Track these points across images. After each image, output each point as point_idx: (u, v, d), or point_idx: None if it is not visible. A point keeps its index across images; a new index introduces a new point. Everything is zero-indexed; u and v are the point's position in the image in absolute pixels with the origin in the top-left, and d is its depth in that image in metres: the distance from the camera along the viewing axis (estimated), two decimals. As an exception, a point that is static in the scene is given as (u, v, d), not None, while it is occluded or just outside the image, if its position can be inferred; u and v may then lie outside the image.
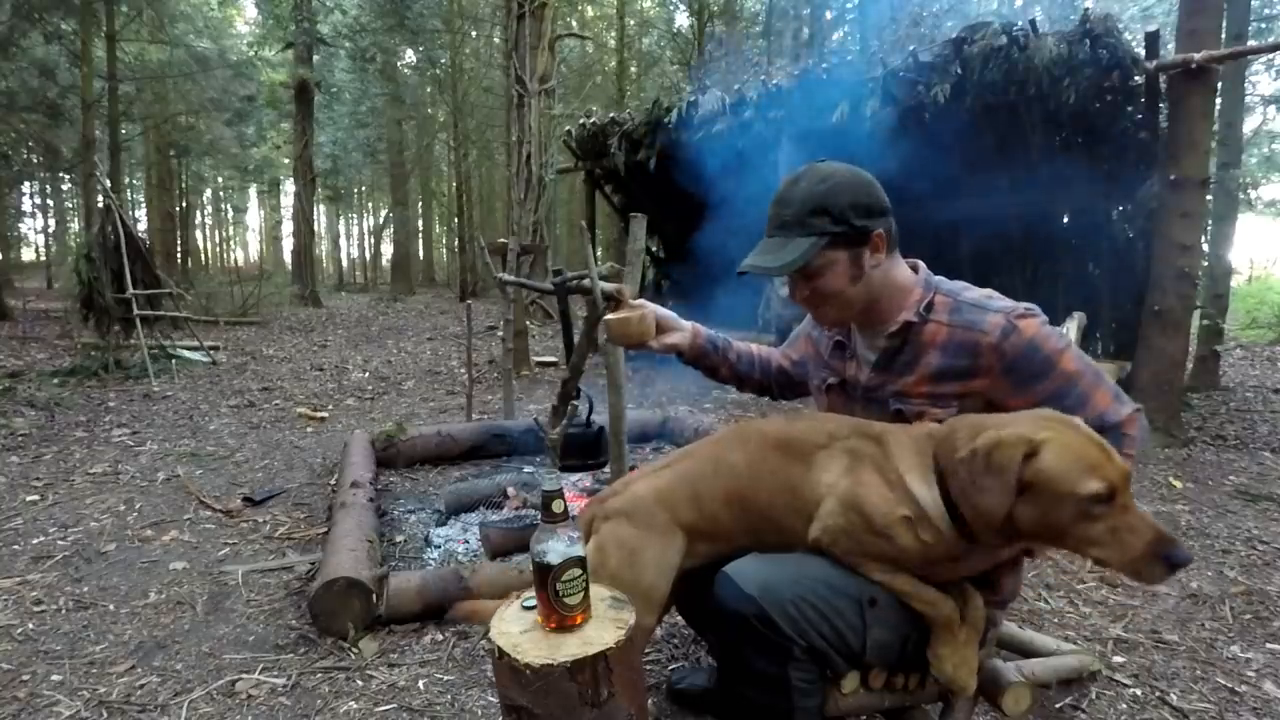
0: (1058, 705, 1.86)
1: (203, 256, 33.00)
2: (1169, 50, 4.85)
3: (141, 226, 18.34)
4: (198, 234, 31.79)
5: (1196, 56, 4.37)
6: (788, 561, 1.25)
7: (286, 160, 22.85)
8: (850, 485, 1.23)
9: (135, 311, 6.98)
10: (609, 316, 1.60)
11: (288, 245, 26.10)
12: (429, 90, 22.20)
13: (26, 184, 21.36)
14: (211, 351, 7.96)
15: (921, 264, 1.44)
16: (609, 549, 1.35)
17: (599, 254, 10.46)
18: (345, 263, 37.22)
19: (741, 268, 1.39)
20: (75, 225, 25.16)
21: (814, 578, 1.22)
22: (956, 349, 1.30)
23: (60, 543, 2.95)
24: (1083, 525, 1.05)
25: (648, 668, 2.02)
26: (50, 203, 25.63)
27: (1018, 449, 1.06)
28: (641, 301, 1.64)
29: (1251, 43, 6.94)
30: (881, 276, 1.37)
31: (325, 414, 5.45)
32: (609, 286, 2.85)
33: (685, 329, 1.66)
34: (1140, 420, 1.29)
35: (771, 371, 1.75)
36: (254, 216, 44.43)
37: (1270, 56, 11.39)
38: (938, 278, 1.42)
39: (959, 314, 1.32)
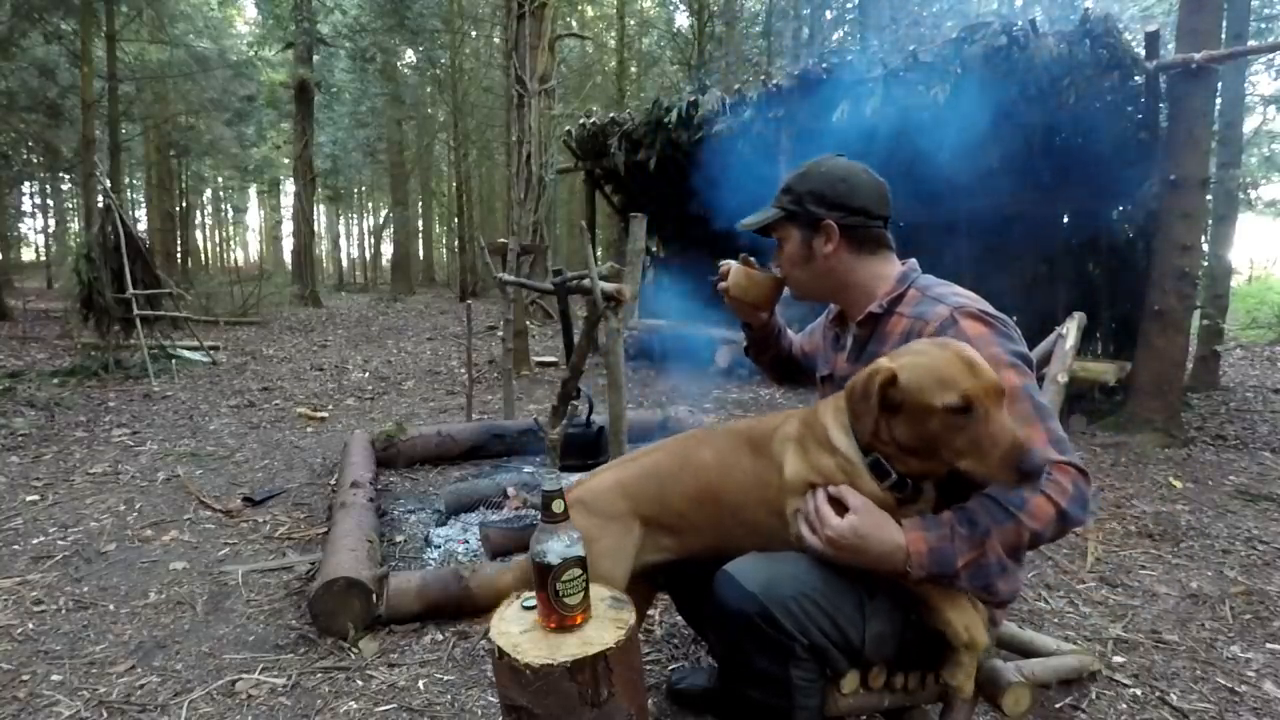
0: (1058, 705, 1.86)
1: (203, 256, 32.99)
2: (1169, 50, 4.85)
3: (141, 226, 18.32)
4: (198, 234, 31.80)
5: (1196, 56, 4.37)
6: (787, 559, 1.25)
7: (286, 160, 22.86)
8: (791, 468, 1.28)
9: (135, 311, 6.98)
10: (741, 268, 1.61)
11: (288, 245, 26.14)
12: (429, 90, 22.21)
13: (26, 184, 21.35)
14: (211, 351, 7.96)
15: (912, 262, 1.47)
16: None
17: (599, 254, 10.46)
18: (345, 263, 37.23)
19: (740, 224, 1.56)
20: (75, 225, 25.17)
21: (813, 573, 1.22)
22: (904, 338, 1.32)
23: (60, 543, 2.95)
24: (948, 436, 1.12)
25: (648, 668, 2.02)
26: (50, 203, 25.62)
27: (879, 375, 1.15)
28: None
29: (1251, 43, 6.95)
30: (844, 268, 1.43)
31: (325, 414, 5.45)
32: (609, 286, 2.85)
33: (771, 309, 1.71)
34: (1076, 478, 1.16)
35: (797, 361, 1.81)
36: (254, 216, 44.49)
37: (1270, 56, 11.39)
38: (924, 276, 1.43)
39: (918, 306, 1.34)
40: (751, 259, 1.63)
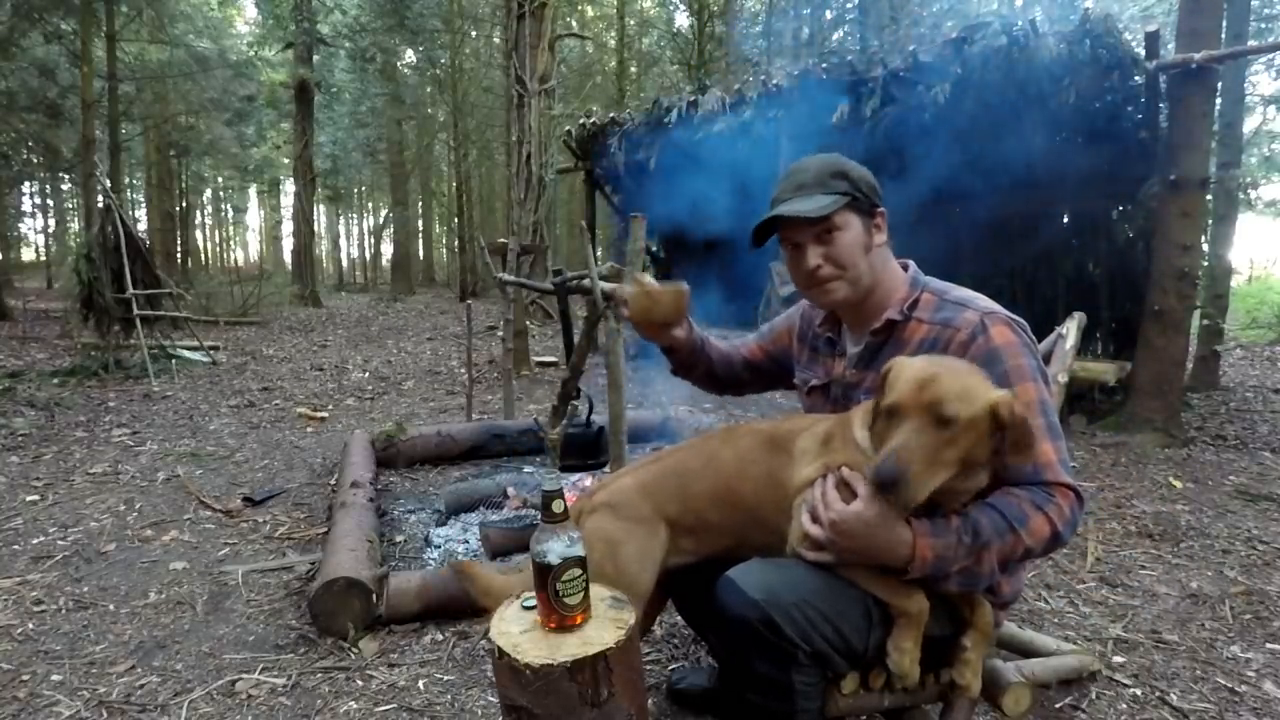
0: (1058, 705, 1.86)
1: (203, 256, 32.97)
2: (1169, 50, 4.85)
3: (141, 226, 18.31)
4: (198, 234, 31.78)
5: (1196, 56, 4.37)
6: (791, 565, 1.25)
7: (286, 160, 22.86)
8: (807, 466, 1.27)
9: (135, 311, 6.98)
10: (638, 289, 1.50)
11: (288, 245, 26.14)
12: (429, 90, 22.21)
13: (26, 184, 21.34)
14: (211, 351, 7.96)
15: (912, 264, 1.45)
16: (592, 542, 1.35)
17: (599, 254, 10.46)
18: (345, 263, 37.23)
19: (777, 213, 1.35)
20: (75, 225, 25.14)
21: (818, 580, 1.21)
22: (930, 345, 1.31)
23: (60, 543, 2.95)
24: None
25: (648, 668, 2.02)
26: (50, 203, 25.61)
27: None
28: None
29: (1251, 43, 6.94)
30: (880, 263, 1.39)
31: (325, 414, 5.45)
32: (609, 286, 2.85)
33: (684, 322, 1.61)
34: (1074, 502, 1.19)
35: (736, 367, 1.72)
36: (254, 216, 44.48)
37: (1270, 56, 11.38)
38: (927, 277, 1.42)
39: (940, 311, 1.33)
40: (641, 275, 1.55)
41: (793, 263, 1.41)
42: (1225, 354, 7.20)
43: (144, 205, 22.59)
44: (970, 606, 1.27)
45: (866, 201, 1.36)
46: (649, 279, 1.57)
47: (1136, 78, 4.95)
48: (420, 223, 29.76)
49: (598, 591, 1.23)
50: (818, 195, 1.33)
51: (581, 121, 8.29)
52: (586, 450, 3.01)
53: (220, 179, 29.36)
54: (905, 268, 1.44)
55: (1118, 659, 2.10)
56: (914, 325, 1.35)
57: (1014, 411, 1.10)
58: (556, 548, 1.11)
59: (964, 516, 1.17)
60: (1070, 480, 1.20)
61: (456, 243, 21.93)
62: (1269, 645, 2.18)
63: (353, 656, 2.09)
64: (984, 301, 1.32)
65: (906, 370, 1.16)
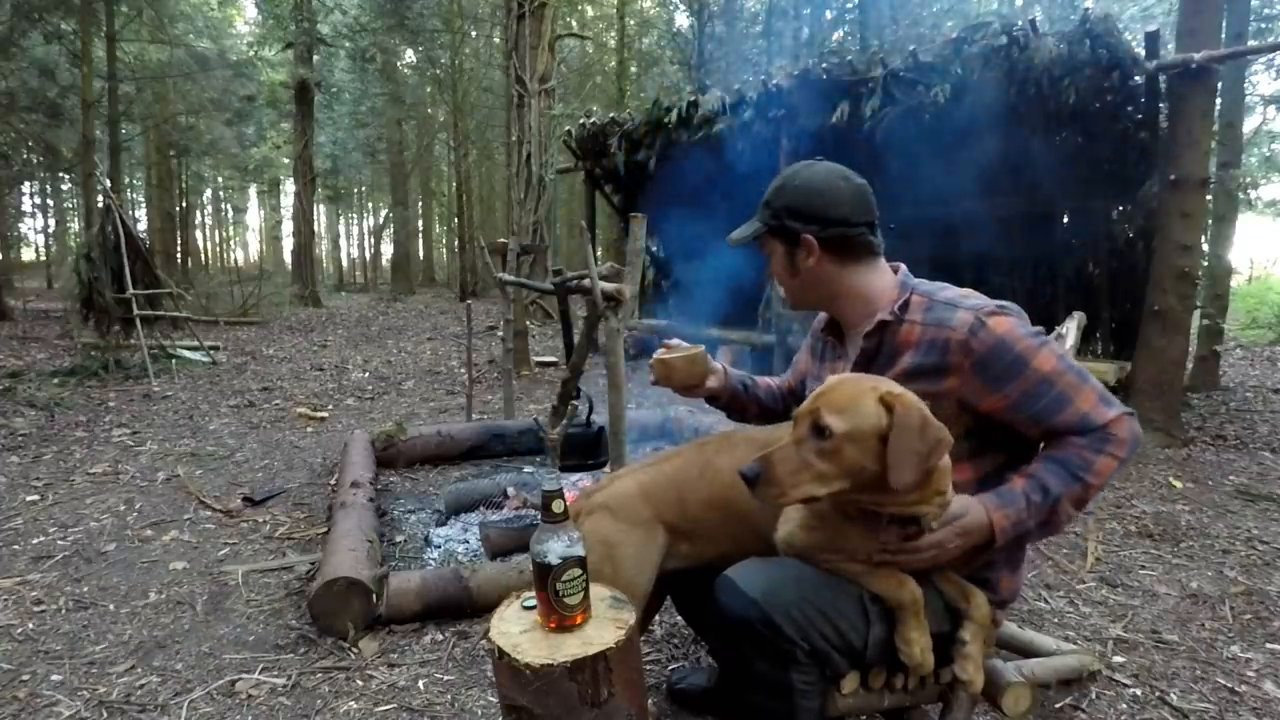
0: (1058, 705, 1.86)
1: (203, 256, 32.96)
2: (1169, 50, 4.85)
3: (141, 226, 18.33)
4: (198, 234, 31.78)
5: (1196, 56, 4.36)
6: (787, 564, 1.25)
7: (286, 160, 22.87)
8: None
9: (135, 311, 6.98)
10: (664, 356, 1.58)
11: (288, 245, 26.11)
12: (429, 90, 22.22)
13: (26, 184, 21.32)
14: (211, 351, 7.96)
15: (902, 266, 1.44)
16: (590, 544, 1.35)
17: (599, 254, 10.46)
18: (345, 263, 37.25)
19: (729, 238, 1.53)
20: (75, 225, 25.14)
21: (815, 579, 1.22)
22: (928, 347, 1.30)
23: (60, 543, 2.95)
24: None
25: (648, 668, 2.02)
26: (50, 203, 25.60)
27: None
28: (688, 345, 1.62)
29: (1251, 43, 6.93)
30: (829, 278, 1.41)
31: (325, 414, 5.45)
32: (609, 286, 2.85)
33: (718, 369, 1.64)
34: (1130, 424, 1.24)
35: (783, 400, 1.74)
36: (254, 216, 44.43)
37: (1270, 56, 11.36)
38: (917, 279, 1.42)
39: (932, 312, 1.32)
40: (671, 341, 1.63)
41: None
42: (1225, 354, 7.20)
43: (144, 205, 22.62)
44: (965, 597, 1.28)
45: (783, 229, 1.41)
46: (678, 342, 1.63)
47: (1136, 78, 4.94)
48: (420, 223, 29.77)
49: (598, 591, 1.23)
50: (754, 221, 1.47)
51: (581, 121, 8.28)
52: (586, 450, 3.01)
53: (220, 179, 29.35)
54: (895, 270, 1.43)
55: (1118, 659, 2.10)
56: (908, 327, 1.33)
57: (903, 409, 1.12)
58: (556, 548, 1.11)
59: (1029, 477, 1.23)
60: (1117, 410, 1.24)
61: (456, 243, 21.93)
62: (1269, 645, 2.18)
63: (353, 656, 2.09)
64: (974, 299, 1.32)
65: (826, 381, 1.21)
